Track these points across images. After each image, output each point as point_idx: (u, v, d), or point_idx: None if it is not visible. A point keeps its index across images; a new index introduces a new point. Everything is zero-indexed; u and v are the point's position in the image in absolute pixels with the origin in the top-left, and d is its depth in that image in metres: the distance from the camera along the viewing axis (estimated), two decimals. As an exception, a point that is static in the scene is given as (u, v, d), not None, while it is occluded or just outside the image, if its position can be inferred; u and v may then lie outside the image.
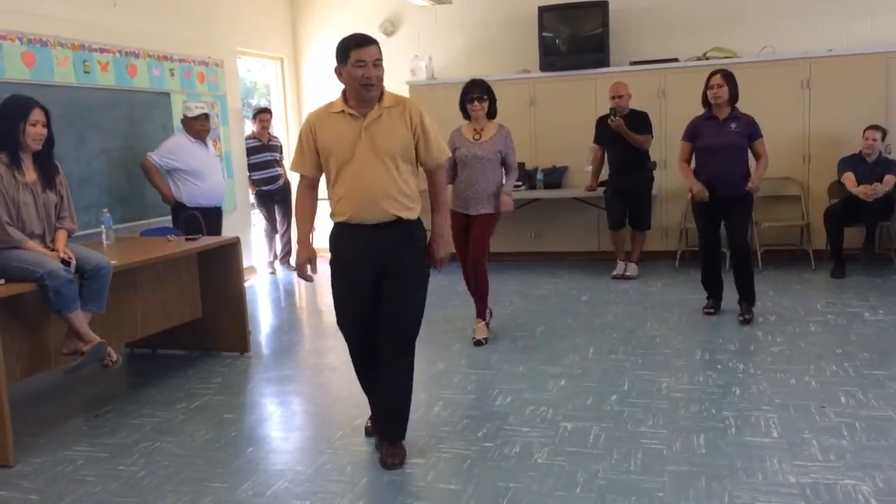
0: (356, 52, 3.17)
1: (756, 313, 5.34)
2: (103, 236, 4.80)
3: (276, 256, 8.04)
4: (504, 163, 5.00)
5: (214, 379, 4.59)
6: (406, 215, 3.24)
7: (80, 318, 3.74)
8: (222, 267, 4.98)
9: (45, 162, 3.84)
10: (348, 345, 3.41)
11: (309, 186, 3.37)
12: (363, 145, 3.18)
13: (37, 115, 3.72)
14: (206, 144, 5.83)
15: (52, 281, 3.55)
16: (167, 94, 6.36)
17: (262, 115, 7.75)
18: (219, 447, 3.55)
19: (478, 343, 4.98)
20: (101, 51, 5.67)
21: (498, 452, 3.34)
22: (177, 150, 5.69)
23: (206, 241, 4.99)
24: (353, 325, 3.34)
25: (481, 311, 5.12)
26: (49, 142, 3.81)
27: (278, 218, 7.90)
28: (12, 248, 3.61)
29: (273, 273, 7.94)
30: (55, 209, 3.89)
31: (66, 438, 3.74)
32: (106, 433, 3.79)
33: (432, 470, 3.20)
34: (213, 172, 5.83)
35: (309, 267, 3.35)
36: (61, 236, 3.88)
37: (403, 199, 3.22)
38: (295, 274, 7.85)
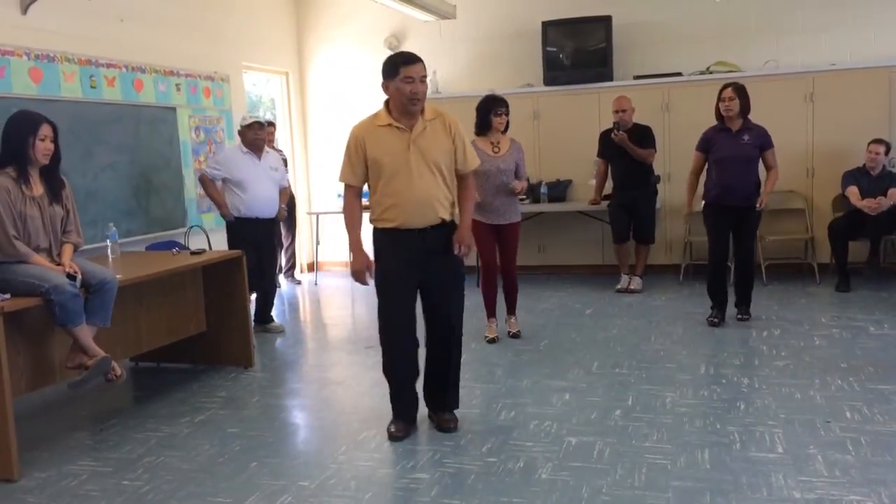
0: (405, 69, 3.45)
1: (760, 327, 5.38)
2: (109, 250, 4.83)
3: (280, 270, 8.04)
4: (516, 172, 5.32)
5: (219, 393, 4.59)
6: (448, 217, 3.64)
7: (85, 332, 3.75)
8: (227, 281, 5.00)
9: (52, 176, 3.86)
10: (391, 342, 3.68)
11: (356, 195, 3.70)
12: (414, 157, 3.50)
13: (45, 130, 3.74)
14: (257, 156, 5.78)
15: (57, 295, 3.56)
16: (173, 109, 6.39)
17: (267, 128, 7.77)
18: (223, 462, 3.55)
19: (515, 335, 5.47)
20: (108, 66, 5.71)
21: (502, 467, 3.33)
22: (223, 160, 5.76)
23: (210, 255, 5.01)
24: (402, 321, 3.64)
25: (512, 309, 5.58)
26: (56, 156, 3.83)
27: (283, 231, 7.91)
28: (18, 263, 3.63)
29: (278, 286, 7.94)
30: (61, 223, 3.91)
31: (71, 453, 3.74)
32: (110, 447, 3.79)
33: (436, 485, 3.20)
34: (258, 185, 5.73)
35: (367, 274, 3.66)
36: (67, 250, 3.90)
37: (447, 202, 3.62)
38: (298, 287, 7.89)
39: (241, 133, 5.83)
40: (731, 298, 5.67)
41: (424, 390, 3.88)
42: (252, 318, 5.72)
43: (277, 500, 3.13)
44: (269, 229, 5.92)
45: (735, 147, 5.32)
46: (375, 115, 3.59)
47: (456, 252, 3.62)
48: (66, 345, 3.82)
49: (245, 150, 5.77)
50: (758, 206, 5.36)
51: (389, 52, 8.16)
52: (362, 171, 3.60)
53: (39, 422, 4.24)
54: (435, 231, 3.57)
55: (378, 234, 3.64)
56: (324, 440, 3.82)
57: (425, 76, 3.50)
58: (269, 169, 5.87)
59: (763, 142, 5.36)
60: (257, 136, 5.75)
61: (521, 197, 5.58)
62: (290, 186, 7.63)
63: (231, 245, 5.66)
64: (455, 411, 3.87)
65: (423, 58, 3.46)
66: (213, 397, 4.51)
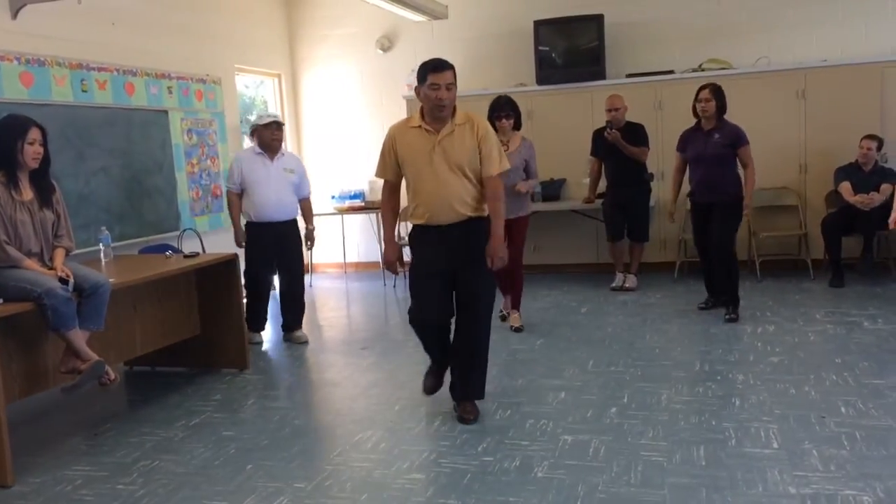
0: (432, 76, 3.63)
1: (755, 324, 5.39)
2: (102, 254, 4.80)
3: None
4: (526, 169, 5.52)
5: (214, 396, 4.58)
6: (475, 215, 3.79)
7: (79, 337, 3.73)
8: (221, 284, 4.98)
9: (42, 180, 3.85)
10: (422, 327, 3.88)
11: (391, 190, 3.93)
12: (437, 157, 3.69)
13: (34, 133, 3.73)
14: (270, 158, 5.52)
15: (50, 300, 3.55)
16: (165, 112, 6.38)
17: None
18: (218, 465, 3.54)
19: (517, 330, 5.60)
20: (99, 69, 5.69)
21: (498, 466, 3.33)
22: (236, 167, 5.56)
23: (204, 258, 5.00)
24: (429, 309, 3.81)
25: (516, 304, 5.73)
26: (45, 160, 3.81)
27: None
28: (10, 268, 3.62)
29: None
30: (52, 227, 3.90)
31: (65, 458, 3.73)
32: (105, 452, 3.78)
33: (432, 485, 3.19)
34: (266, 188, 5.48)
35: (397, 264, 3.96)
36: (59, 255, 3.88)
37: (473, 202, 3.77)
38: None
39: (257, 132, 5.58)
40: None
41: (451, 379, 3.99)
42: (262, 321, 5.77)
43: (274, 503, 3.12)
44: (286, 233, 5.60)
45: (705, 146, 5.50)
46: (410, 117, 3.83)
47: (489, 266, 3.76)
48: (59, 349, 3.81)
49: (259, 150, 5.54)
50: (745, 212, 5.52)
51: (381, 53, 8.30)
52: (394, 167, 3.83)
53: (33, 427, 4.23)
54: (461, 227, 3.75)
55: (412, 229, 3.90)
56: (319, 442, 3.82)
57: (452, 83, 3.65)
58: (283, 171, 5.56)
59: (734, 140, 5.48)
60: (274, 136, 5.49)
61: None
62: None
63: (247, 250, 5.60)
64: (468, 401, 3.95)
65: (415, 58, 3.52)
66: (208, 400, 4.50)
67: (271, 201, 5.51)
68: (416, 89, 3.72)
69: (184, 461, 3.60)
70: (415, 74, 3.77)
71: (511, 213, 5.27)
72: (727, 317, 5.53)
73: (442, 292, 3.79)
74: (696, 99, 5.55)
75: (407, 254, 4.05)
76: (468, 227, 3.77)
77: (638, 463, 3.27)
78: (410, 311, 3.89)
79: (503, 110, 5.48)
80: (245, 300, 5.53)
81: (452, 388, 3.97)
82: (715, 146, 5.48)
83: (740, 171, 5.61)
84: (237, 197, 5.58)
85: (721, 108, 5.50)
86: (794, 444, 3.37)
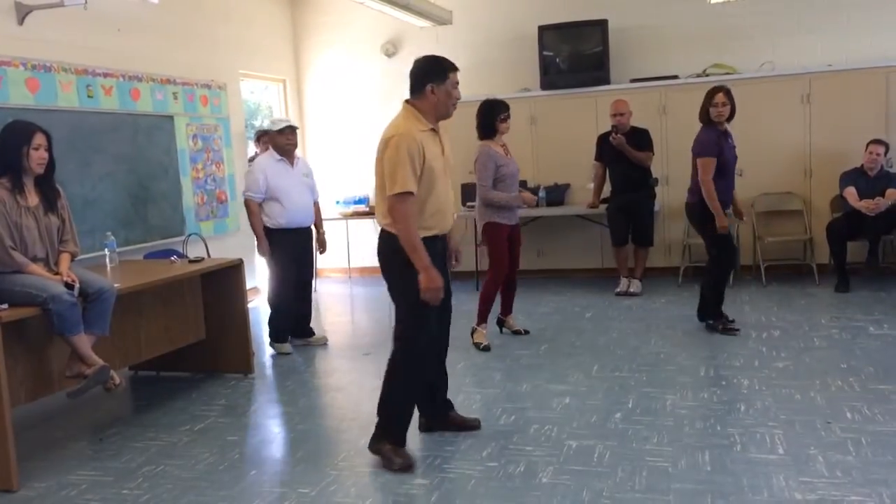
0: (454, 75, 3.45)
1: (760, 329, 5.38)
2: (107, 259, 4.82)
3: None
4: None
5: (218, 401, 4.58)
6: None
7: (84, 342, 3.75)
8: (226, 288, 4.99)
9: (47, 185, 3.87)
10: (425, 344, 3.51)
11: (414, 203, 3.33)
12: (446, 160, 3.52)
13: (39, 139, 3.74)
14: (290, 164, 5.49)
15: (55, 305, 3.56)
16: (170, 118, 6.40)
17: (265, 137, 7.76)
18: (223, 470, 3.54)
19: (482, 347, 5.31)
20: (105, 75, 5.72)
21: (502, 472, 3.33)
22: (260, 175, 5.42)
23: (209, 262, 5.01)
24: (438, 335, 3.62)
25: (511, 307, 5.74)
26: (50, 165, 3.83)
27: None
28: (15, 273, 3.63)
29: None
30: (57, 232, 3.91)
31: (70, 462, 3.74)
32: (110, 457, 3.79)
33: (436, 491, 3.19)
34: (294, 193, 5.44)
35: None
36: (65, 259, 3.90)
37: None
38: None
39: (271, 139, 5.58)
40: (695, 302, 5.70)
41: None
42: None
43: (277, 508, 3.12)
44: (307, 239, 5.65)
45: (732, 152, 5.27)
46: (415, 120, 3.38)
47: (454, 263, 3.72)
48: (64, 354, 3.82)
49: (278, 157, 5.47)
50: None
51: (386, 59, 8.32)
52: (419, 176, 3.33)
53: (38, 432, 4.23)
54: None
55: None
56: (324, 447, 3.81)
57: None
58: (302, 176, 5.56)
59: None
60: (289, 141, 5.44)
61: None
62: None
63: (280, 257, 5.46)
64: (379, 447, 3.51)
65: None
66: (213, 405, 4.50)
67: (300, 207, 5.48)
68: (431, 87, 3.36)
69: (189, 466, 3.60)
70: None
71: (516, 219, 5.47)
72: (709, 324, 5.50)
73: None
74: (711, 103, 5.12)
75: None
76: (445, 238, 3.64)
77: (643, 468, 3.26)
78: (417, 341, 3.46)
79: (505, 110, 5.27)
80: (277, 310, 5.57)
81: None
82: (734, 152, 5.29)
83: None
84: (259, 206, 5.47)
85: (734, 111, 5.20)
86: (799, 449, 3.36)
